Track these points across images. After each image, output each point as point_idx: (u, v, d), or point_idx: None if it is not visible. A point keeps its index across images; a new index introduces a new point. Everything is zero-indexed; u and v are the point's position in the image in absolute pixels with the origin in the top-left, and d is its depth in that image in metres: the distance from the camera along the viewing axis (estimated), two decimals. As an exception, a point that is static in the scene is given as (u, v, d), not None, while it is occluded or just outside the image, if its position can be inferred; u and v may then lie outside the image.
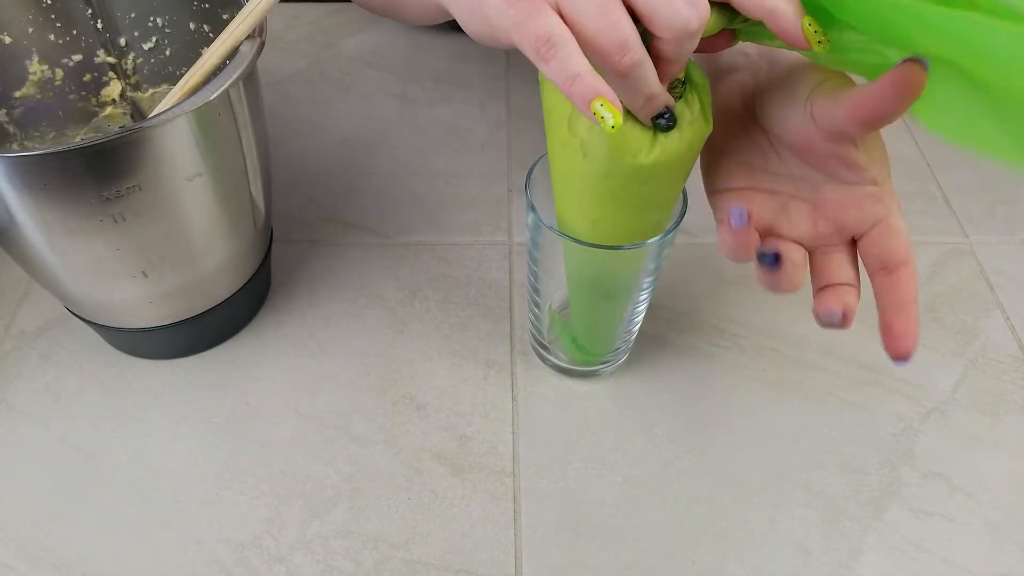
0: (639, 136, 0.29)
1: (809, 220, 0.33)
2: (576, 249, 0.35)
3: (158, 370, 0.44)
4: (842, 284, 0.32)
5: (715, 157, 0.35)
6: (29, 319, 0.46)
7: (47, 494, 0.39)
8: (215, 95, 0.32)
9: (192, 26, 0.42)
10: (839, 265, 0.33)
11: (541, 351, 0.44)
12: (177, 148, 0.33)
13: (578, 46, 0.25)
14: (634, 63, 0.26)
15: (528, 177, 0.36)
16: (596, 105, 0.25)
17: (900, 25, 0.25)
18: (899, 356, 0.31)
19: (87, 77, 0.45)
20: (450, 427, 0.42)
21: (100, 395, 0.43)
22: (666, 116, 0.29)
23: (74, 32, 0.43)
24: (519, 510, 0.39)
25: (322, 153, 0.57)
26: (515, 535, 0.38)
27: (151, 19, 0.43)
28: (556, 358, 0.43)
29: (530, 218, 0.36)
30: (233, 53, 0.34)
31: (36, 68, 0.42)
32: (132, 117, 0.47)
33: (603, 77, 0.26)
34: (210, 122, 0.34)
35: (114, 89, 0.46)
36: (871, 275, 0.32)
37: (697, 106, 0.30)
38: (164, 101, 0.36)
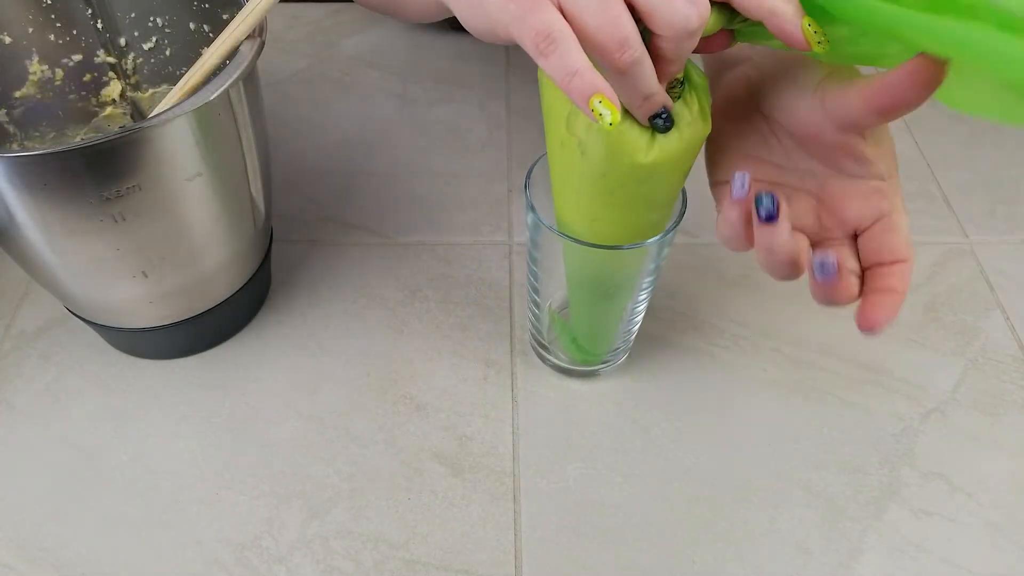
0: (637, 136, 0.29)
1: (813, 213, 0.33)
2: (575, 249, 0.35)
3: (158, 370, 0.44)
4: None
5: (719, 149, 0.35)
6: (29, 319, 0.46)
7: (47, 494, 0.39)
8: (215, 95, 0.32)
9: (192, 26, 0.42)
10: (842, 258, 0.32)
11: (541, 351, 0.44)
12: (177, 148, 0.33)
13: (578, 42, 0.25)
14: (634, 60, 0.26)
15: (528, 177, 0.36)
16: (594, 102, 0.25)
17: (902, 30, 0.25)
18: (868, 327, 0.31)
19: (87, 77, 0.45)
20: (450, 427, 0.42)
21: (100, 395, 0.43)
22: (663, 116, 0.29)
23: (74, 32, 0.43)
24: (519, 510, 0.39)
25: (322, 153, 0.57)
26: (515, 535, 0.38)
27: (151, 19, 0.43)
28: (556, 358, 0.43)
29: (529, 218, 0.36)
30: (233, 53, 0.34)
31: (36, 68, 0.42)
32: (132, 117, 0.47)
33: (602, 75, 0.26)
34: (210, 122, 0.34)
35: (114, 89, 0.46)
36: (866, 270, 0.32)
37: (696, 106, 0.30)
38: (164, 101, 0.36)
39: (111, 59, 0.45)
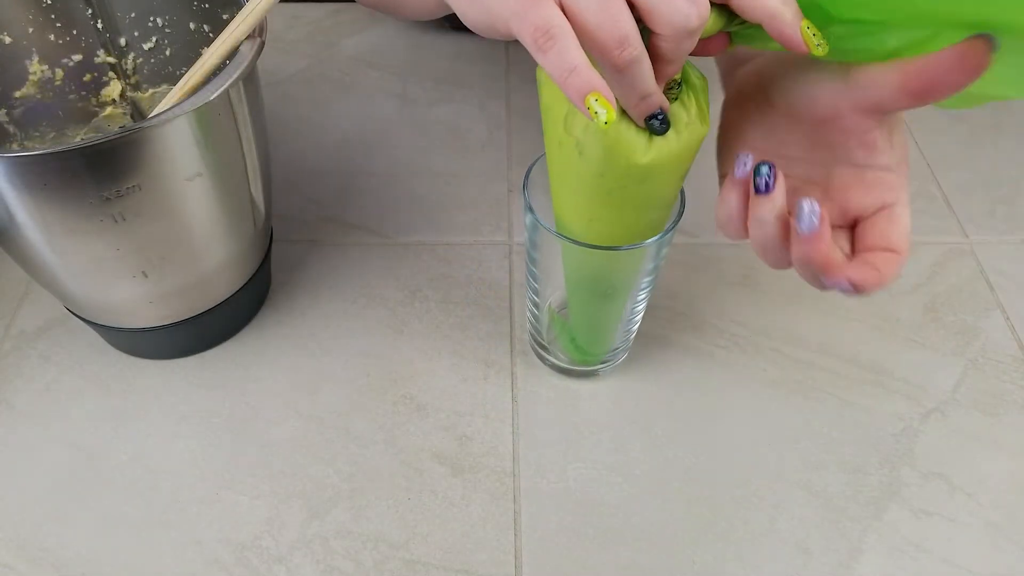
0: (635, 136, 0.29)
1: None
2: (574, 249, 0.35)
3: (158, 370, 0.44)
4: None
5: (728, 142, 0.35)
6: (29, 319, 0.46)
7: (47, 494, 0.39)
8: (215, 95, 0.32)
9: (192, 26, 0.42)
10: (839, 243, 0.32)
11: (540, 351, 0.44)
12: (177, 148, 0.33)
13: (577, 40, 0.25)
14: (633, 59, 0.26)
15: (526, 178, 0.36)
16: (591, 100, 0.25)
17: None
18: (833, 278, 0.30)
19: (87, 77, 0.45)
20: (450, 427, 0.42)
21: (100, 395, 0.43)
22: (659, 118, 0.29)
23: (74, 32, 0.43)
24: (519, 510, 0.39)
25: (322, 153, 0.57)
26: (515, 535, 0.38)
27: (151, 19, 0.43)
28: (555, 358, 0.43)
29: (528, 218, 0.36)
30: (233, 53, 0.34)
31: (36, 68, 0.42)
32: (132, 117, 0.47)
33: (600, 74, 0.26)
34: (210, 122, 0.34)
35: (114, 89, 0.46)
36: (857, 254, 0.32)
37: (694, 108, 0.30)
38: (164, 101, 0.36)
39: (111, 59, 0.45)
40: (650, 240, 0.34)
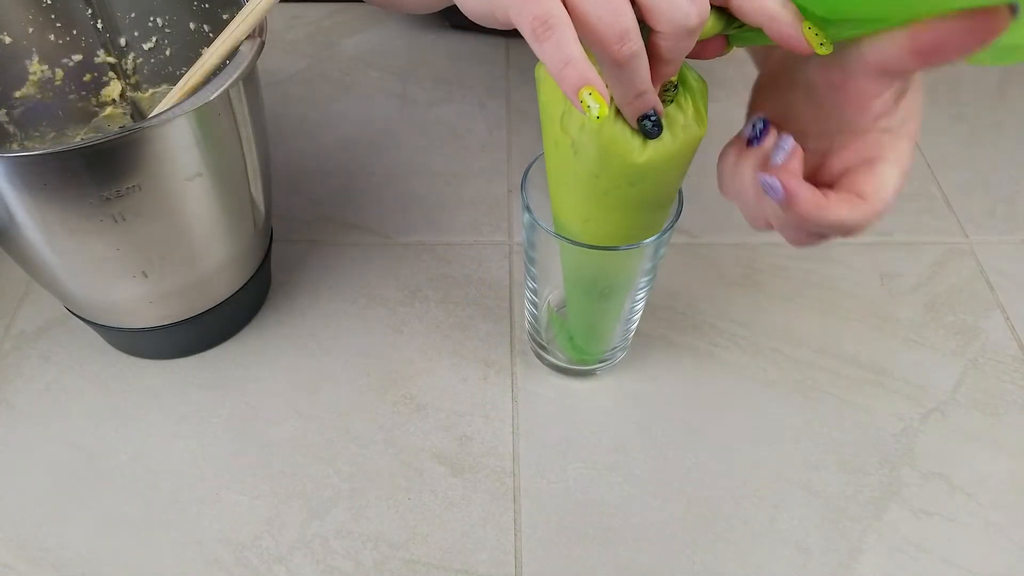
0: (630, 137, 0.29)
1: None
2: (571, 249, 0.35)
3: (158, 370, 0.44)
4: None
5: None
6: (29, 319, 0.46)
7: (47, 494, 0.39)
8: (215, 95, 0.32)
9: (192, 26, 0.42)
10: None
11: (539, 351, 0.44)
12: (177, 148, 0.33)
13: (575, 32, 0.25)
14: (632, 53, 0.26)
15: (524, 177, 0.36)
16: (584, 93, 0.25)
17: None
18: (770, 188, 0.29)
19: (87, 77, 0.45)
20: (450, 427, 0.42)
21: (100, 395, 0.43)
22: (652, 119, 0.28)
23: (74, 32, 0.43)
24: (519, 510, 0.39)
25: (322, 153, 0.57)
26: (515, 535, 0.38)
27: (151, 19, 0.43)
28: (554, 357, 0.43)
29: (525, 218, 0.36)
30: (233, 53, 0.34)
31: (36, 68, 0.42)
32: (132, 117, 0.47)
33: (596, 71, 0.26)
34: (210, 122, 0.34)
35: (114, 89, 0.46)
36: None
37: (691, 110, 0.30)
38: (164, 101, 0.36)
39: (111, 59, 0.45)
40: (648, 240, 0.34)
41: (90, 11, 0.43)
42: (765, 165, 0.30)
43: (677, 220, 0.35)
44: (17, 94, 0.42)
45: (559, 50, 0.25)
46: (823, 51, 0.27)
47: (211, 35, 0.42)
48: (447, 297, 0.48)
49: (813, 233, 0.31)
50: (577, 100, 0.25)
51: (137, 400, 0.43)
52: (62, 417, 0.42)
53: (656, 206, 0.33)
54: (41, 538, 0.37)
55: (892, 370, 0.45)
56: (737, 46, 0.31)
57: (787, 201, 0.29)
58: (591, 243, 0.34)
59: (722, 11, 0.28)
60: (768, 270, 0.49)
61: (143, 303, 0.39)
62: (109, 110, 0.46)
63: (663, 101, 0.30)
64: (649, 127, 0.29)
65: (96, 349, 0.45)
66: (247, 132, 0.37)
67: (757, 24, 0.27)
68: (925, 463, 0.41)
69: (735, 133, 0.33)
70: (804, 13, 0.27)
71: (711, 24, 0.28)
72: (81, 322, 0.43)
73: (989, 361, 0.45)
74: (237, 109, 0.36)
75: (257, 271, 0.44)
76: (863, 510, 0.39)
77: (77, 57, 0.44)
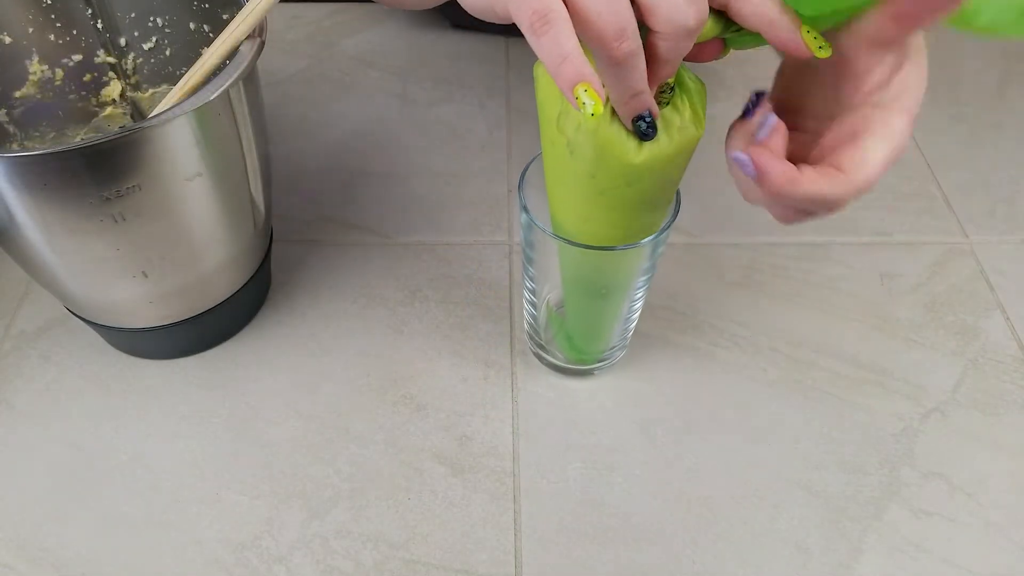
0: (626, 138, 0.29)
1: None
2: (569, 249, 0.35)
3: (158, 370, 0.44)
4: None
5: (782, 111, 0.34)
6: (29, 319, 0.46)
7: (47, 494, 0.39)
8: (215, 95, 0.32)
9: (192, 26, 0.42)
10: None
11: (538, 350, 0.44)
12: (177, 148, 0.33)
13: (573, 29, 0.25)
14: (630, 52, 0.26)
15: (521, 177, 0.36)
16: (579, 90, 0.25)
17: None
18: (741, 163, 0.29)
19: (87, 77, 0.45)
20: (450, 427, 0.42)
21: (100, 395, 0.43)
22: (647, 120, 0.28)
23: (74, 32, 0.43)
24: (519, 510, 0.39)
25: (322, 153, 0.57)
26: (515, 535, 0.38)
27: (151, 19, 0.43)
28: (553, 357, 0.43)
29: (523, 218, 0.36)
30: (233, 53, 0.34)
31: (36, 68, 0.42)
32: (132, 117, 0.47)
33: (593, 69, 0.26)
34: (210, 122, 0.34)
35: (114, 89, 0.46)
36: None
37: (688, 111, 0.30)
38: (164, 101, 0.36)
39: (111, 59, 0.45)
40: (645, 240, 0.34)
41: (90, 11, 0.43)
42: (753, 140, 0.30)
43: (674, 220, 0.35)
44: (17, 94, 0.42)
45: (556, 45, 0.25)
46: (822, 55, 0.27)
47: (211, 35, 0.42)
48: (447, 297, 0.48)
49: (798, 209, 0.31)
50: (572, 96, 0.25)
51: (137, 400, 0.43)
52: (62, 417, 0.42)
53: (653, 206, 0.33)
54: (41, 538, 0.37)
55: (892, 370, 0.45)
56: (735, 48, 0.31)
57: (759, 177, 0.29)
58: (589, 243, 0.34)
59: (720, 14, 0.28)
60: (768, 270, 0.49)
61: (143, 303, 0.39)
62: (109, 110, 0.46)
63: (659, 103, 0.30)
64: (644, 128, 0.29)
65: (96, 349, 0.45)
66: (247, 132, 0.37)
67: (755, 29, 0.27)
68: (925, 463, 0.41)
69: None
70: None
71: (709, 27, 0.28)
72: (81, 322, 0.43)
73: (989, 361, 0.45)
74: (237, 109, 0.36)
75: (257, 271, 0.44)
76: (863, 510, 0.39)
77: (77, 57, 0.44)
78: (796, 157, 0.31)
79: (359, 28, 0.68)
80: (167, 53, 0.44)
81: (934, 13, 0.26)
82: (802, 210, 0.31)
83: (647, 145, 0.29)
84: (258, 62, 0.35)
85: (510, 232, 0.52)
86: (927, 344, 0.46)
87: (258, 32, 0.35)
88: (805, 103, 0.33)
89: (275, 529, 0.38)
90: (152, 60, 0.45)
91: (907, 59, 0.30)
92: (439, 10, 0.67)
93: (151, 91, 0.46)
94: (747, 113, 0.31)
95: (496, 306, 0.47)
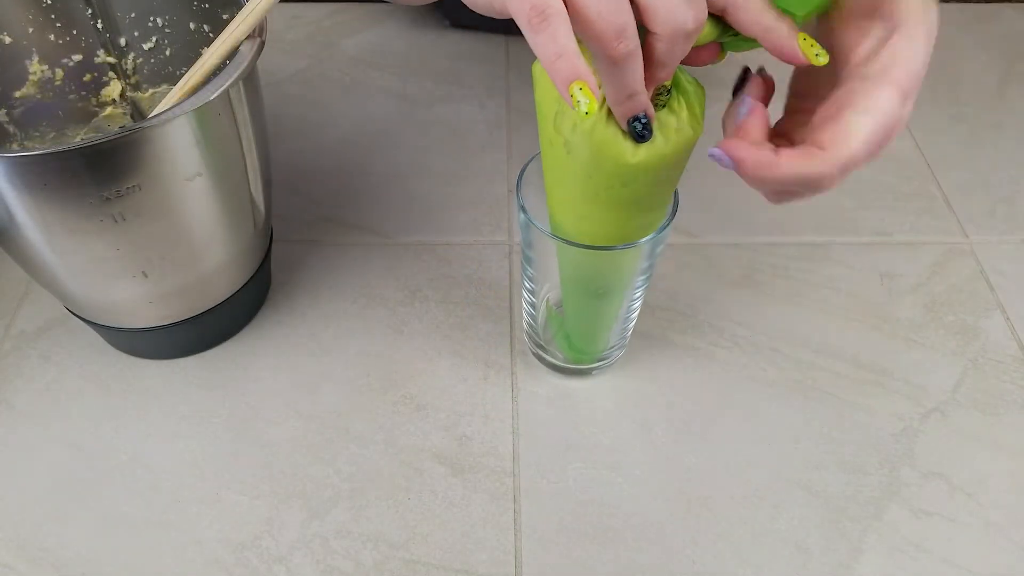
0: (622, 139, 0.29)
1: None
2: (567, 249, 0.35)
3: (158, 370, 0.44)
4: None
5: (799, 103, 0.33)
6: (29, 319, 0.46)
7: (47, 494, 0.39)
8: (215, 95, 0.32)
9: (192, 26, 0.42)
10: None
11: (537, 350, 0.44)
12: (177, 148, 0.33)
13: (570, 26, 0.25)
14: (628, 51, 0.26)
15: (519, 177, 0.36)
16: (575, 88, 0.25)
17: None
18: (717, 159, 0.29)
19: (87, 77, 0.45)
20: (450, 427, 0.42)
21: (100, 395, 0.43)
22: (642, 122, 0.28)
23: (74, 32, 0.43)
24: (519, 510, 0.39)
25: (322, 153, 0.57)
26: (515, 535, 0.38)
27: (151, 19, 0.43)
28: (553, 357, 0.43)
29: (521, 218, 0.36)
30: (233, 53, 0.34)
31: (36, 68, 0.42)
32: (132, 117, 0.47)
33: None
34: (210, 122, 0.34)
35: (114, 89, 0.46)
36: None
37: (685, 113, 0.30)
38: (164, 101, 0.36)
39: (111, 59, 0.45)
40: (643, 240, 0.34)
41: (90, 11, 0.43)
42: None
43: (672, 220, 0.35)
44: (17, 94, 0.42)
45: (553, 41, 0.25)
46: (819, 62, 0.27)
47: (211, 35, 0.42)
48: (447, 297, 0.48)
49: (781, 192, 0.30)
50: (567, 94, 0.25)
51: (137, 400, 0.43)
52: (62, 417, 0.42)
53: (650, 206, 0.33)
54: (41, 538, 0.37)
55: (892, 370, 0.45)
56: (731, 51, 0.31)
57: (735, 166, 0.29)
58: (587, 243, 0.34)
59: (717, 19, 0.28)
60: (768, 270, 0.49)
61: (143, 303, 0.39)
62: (109, 110, 0.46)
63: (655, 106, 0.30)
64: (639, 129, 0.28)
65: (96, 349, 0.45)
66: (247, 132, 0.37)
67: (752, 36, 0.27)
68: (925, 463, 0.41)
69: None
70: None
71: (706, 31, 0.28)
72: (81, 322, 0.43)
73: (989, 361, 0.45)
74: (237, 109, 0.36)
75: (257, 271, 0.44)
76: (863, 510, 0.39)
77: (77, 57, 0.44)
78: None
79: (359, 28, 0.68)
80: (167, 53, 0.44)
81: None
82: (785, 192, 0.30)
83: (643, 146, 0.29)
84: (258, 62, 0.35)
85: (510, 232, 0.52)
86: (927, 344, 0.46)
87: (258, 32, 0.35)
88: (818, 87, 0.32)
89: (275, 529, 0.38)
90: (152, 60, 0.45)
91: (897, 31, 0.28)
92: (439, 10, 0.67)
93: (151, 91, 0.46)
94: (736, 92, 0.31)
95: (496, 306, 0.47)
